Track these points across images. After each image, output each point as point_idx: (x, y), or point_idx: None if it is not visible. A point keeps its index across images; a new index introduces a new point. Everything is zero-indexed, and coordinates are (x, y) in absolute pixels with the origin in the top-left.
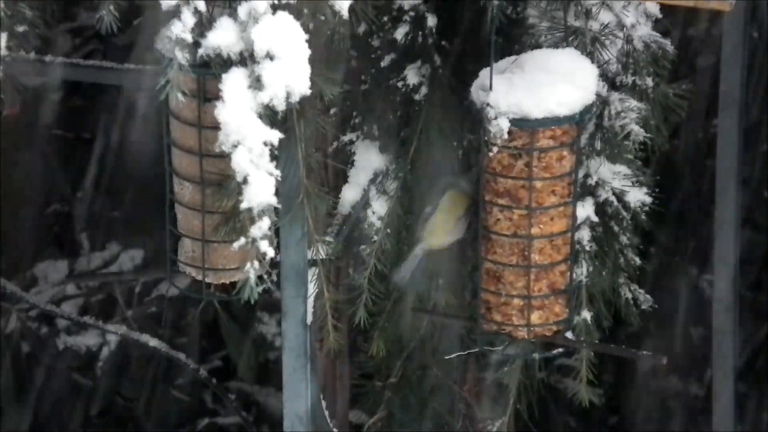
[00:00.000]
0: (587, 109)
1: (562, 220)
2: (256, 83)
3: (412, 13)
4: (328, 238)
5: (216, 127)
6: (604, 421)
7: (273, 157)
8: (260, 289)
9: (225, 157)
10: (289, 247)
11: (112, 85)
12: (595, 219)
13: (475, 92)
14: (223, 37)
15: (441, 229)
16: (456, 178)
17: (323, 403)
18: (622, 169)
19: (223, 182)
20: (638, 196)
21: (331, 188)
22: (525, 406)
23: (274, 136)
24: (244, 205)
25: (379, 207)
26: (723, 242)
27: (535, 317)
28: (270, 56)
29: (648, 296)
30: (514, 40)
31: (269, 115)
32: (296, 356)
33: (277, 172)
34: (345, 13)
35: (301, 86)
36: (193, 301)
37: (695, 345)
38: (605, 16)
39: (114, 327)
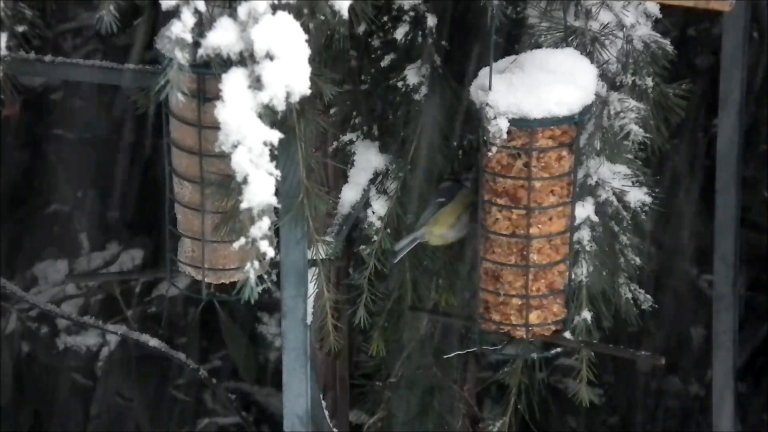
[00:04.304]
0: (586, 109)
1: (561, 220)
2: (256, 83)
3: (412, 13)
4: (328, 238)
5: (216, 127)
6: (604, 421)
7: (273, 157)
8: (260, 289)
9: (225, 157)
10: (289, 247)
11: (112, 85)
12: (595, 219)
13: (475, 92)
14: (223, 37)
15: (445, 220)
16: (466, 177)
17: (323, 403)
18: (622, 169)
19: (223, 182)
20: (638, 196)
21: (331, 188)
22: (525, 406)
23: (274, 136)
24: (244, 205)
25: (379, 207)
26: (723, 242)
27: (534, 317)
28: (270, 56)
29: (648, 296)
30: (514, 40)
31: (269, 115)
32: (296, 356)
33: (277, 172)
34: (345, 13)
35: (301, 86)
36: (193, 301)
37: (695, 345)
38: (605, 16)
39: (114, 327)
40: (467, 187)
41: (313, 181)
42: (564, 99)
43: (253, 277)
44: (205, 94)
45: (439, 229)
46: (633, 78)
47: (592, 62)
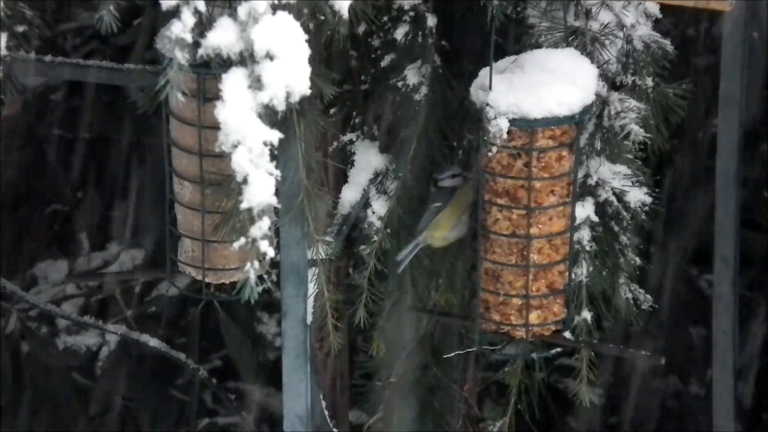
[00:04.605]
0: (587, 109)
1: (561, 220)
2: (256, 83)
3: (412, 13)
4: (328, 238)
5: (216, 127)
6: (604, 421)
7: (273, 157)
8: (260, 289)
9: (225, 157)
10: (289, 247)
11: (112, 85)
12: (595, 219)
13: (475, 92)
14: (223, 37)
15: (446, 224)
16: (463, 177)
17: (323, 403)
18: (622, 169)
19: (223, 182)
20: (638, 196)
21: (331, 188)
22: (525, 406)
23: (274, 136)
24: (244, 205)
25: (379, 207)
26: (723, 242)
27: (534, 317)
28: (270, 56)
29: (648, 296)
30: (514, 40)
31: (269, 115)
32: (296, 356)
33: (277, 172)
34: (345, 13)
35: (301, 86)
36: (193, 301)
37: (695, 345)
38: (605, 16)
39: (114, 327)
40: (466, 177)
41: (313, 181)
42: (564, 99)
43: (253, 277)
44: (205, 94)
45: (441, 232)
46: (633, 78)
47: (592, 62)
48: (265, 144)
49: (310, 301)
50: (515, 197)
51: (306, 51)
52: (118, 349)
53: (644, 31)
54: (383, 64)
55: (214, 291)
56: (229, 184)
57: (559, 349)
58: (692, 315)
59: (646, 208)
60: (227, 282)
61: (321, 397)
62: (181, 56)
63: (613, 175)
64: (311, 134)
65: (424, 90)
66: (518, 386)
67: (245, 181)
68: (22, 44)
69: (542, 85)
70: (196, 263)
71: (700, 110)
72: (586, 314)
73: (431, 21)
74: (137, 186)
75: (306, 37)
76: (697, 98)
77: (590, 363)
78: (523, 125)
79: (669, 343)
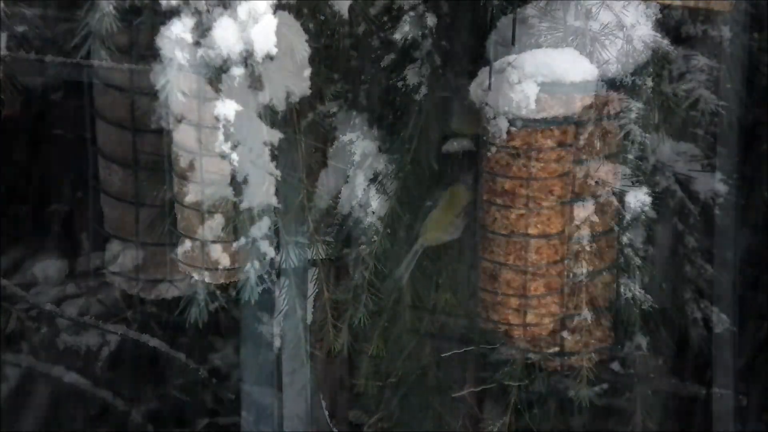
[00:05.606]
0: (586, 110)
1: (560, 220)
2: (256, 83)
3: (412, 13)
4: (328, 238)
5: (216, 127)
6: (604, 421)
7: (273, 157)
8: (260, 289)
9: (225, 157)
10: (289, 247)
11: (112, 85)
12: (595, 219)
13: (474, 92)
14: (223, 37)
15: (437, 225)
16: (458, 175)
17: (323, 403)
18: (623, 168)
19: (222, 182)
20: (639, 196)
21: (331, 188)
22: (525, 406)
23: (274, 136)
24: (244, 205)
25: (379, 207)
26: (723, 242)
27: (532, 316)
28: (270, 56)
29: (648, 296)
30: (514, 40)
31: (269, 115)
32: (296, 356)
33: (277, 172)
34: (345, 13)
35: (301, 86)
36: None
37: (695, 345)
38: (605, 16)
39: (114, 327)
40: (460, 184)
41: (313, 181)
42: (564, 99)
43: (253, 277)
44: (205, 94)
45: (432, 234)
46: (633, 78)
47: (592, 62)
48: (265, 144)
49: (310, 301)
50: (514, 197)
51: (306, 51)
52: (118, 349)
53: (644, 31)
54: (383, 64)
55: (215, 291)
56: (229, 184)
57: (557, 349)
58: (692, 315)
59: (647, 208)
60: (227, 282)
61: (321, 397)
62: (181, 56)
63: (614, 175)
64: (311, 134)
65: (424, 90)
66: (518, 386)
67: (245, 181)
68: (22, 44)
69: (542, 85)
70: (196, 263)
71: (701, 110)
72: (587, 315)
73: (431, 21)
74: (136, 185)
75: (306, 37)
76: (697, 98)
77: (590, 363)
78: (522, 125)
79: (669, 343)
